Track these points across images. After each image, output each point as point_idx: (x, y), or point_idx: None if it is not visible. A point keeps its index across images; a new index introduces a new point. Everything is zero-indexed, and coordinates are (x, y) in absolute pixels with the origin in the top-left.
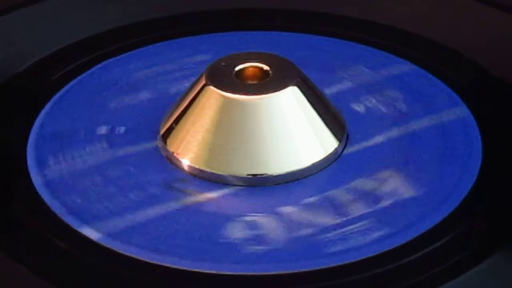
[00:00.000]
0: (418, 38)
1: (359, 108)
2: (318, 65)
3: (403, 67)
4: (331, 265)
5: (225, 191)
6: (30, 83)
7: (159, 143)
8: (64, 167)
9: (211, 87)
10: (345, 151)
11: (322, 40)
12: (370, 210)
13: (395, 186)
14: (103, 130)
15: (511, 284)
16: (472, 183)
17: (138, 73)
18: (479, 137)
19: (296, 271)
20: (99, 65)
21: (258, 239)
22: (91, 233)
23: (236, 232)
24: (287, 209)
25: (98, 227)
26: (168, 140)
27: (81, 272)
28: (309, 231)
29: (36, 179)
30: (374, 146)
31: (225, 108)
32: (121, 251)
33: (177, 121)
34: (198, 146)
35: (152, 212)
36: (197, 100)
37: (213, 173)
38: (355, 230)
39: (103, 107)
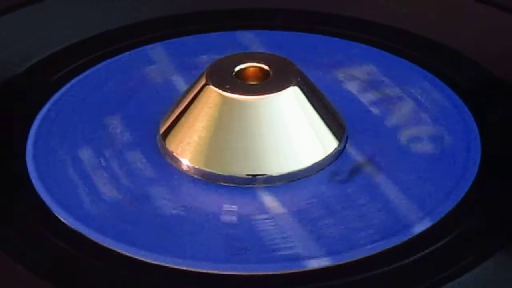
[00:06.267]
0: (418, 38)
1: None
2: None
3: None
4: (331, 264)
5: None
6: (30, 83)
7: (158, 142)
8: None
9: (211, 87)
10: (345, 151)
11: (322, 40)
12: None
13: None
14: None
15: (511, 284)
16: (472, 183)
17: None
18: (479, 137)
19: (296, 270)
20: (98, 65)
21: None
22: (91, 233)
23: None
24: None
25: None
26: (168, 140)
27: (81, 272)
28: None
29: (36, 179)
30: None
31: (225, 108)
32: (121, 251)
33: (177, 120)
34: (197, 146)
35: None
36: (197, 100)
37: (212, 173)
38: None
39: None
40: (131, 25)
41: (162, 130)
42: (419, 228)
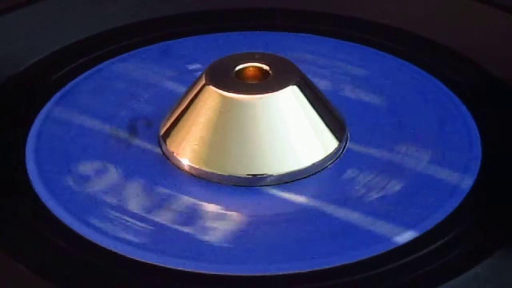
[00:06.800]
0: (418, 38)
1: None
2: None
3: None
4: (331, 265)
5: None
6: (30, 83)
7: (159, 143)
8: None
9: (211, 87)
10: (345, 151)
11: (322, 40)
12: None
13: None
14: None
15: (511, 284)
16: (472, 183)
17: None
18: (479, 137)
19: (296, 271)
20: (99, 65)
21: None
22: (91, 233)
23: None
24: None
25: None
26: (168, 140)
27: (81, 272)
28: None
29: (36, 179)
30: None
31: (225, 107)
32: (121, 251)
33: (177, 121)
34: (198, 146)
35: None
36: (197, 100)
37: (212, 173)
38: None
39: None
40: (131, 25)
41: (162, 130)
42: (419, 229)
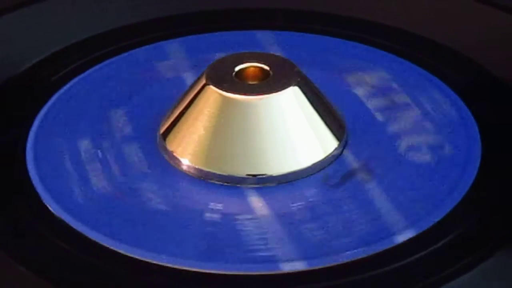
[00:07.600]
0: (418, 38)
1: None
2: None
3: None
4: (331, 264)
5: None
6: (30, 83)
7: (158, 142)
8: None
9: (211, 87)
10: (345, 151)
11: (322, 40)
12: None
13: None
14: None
15: (511, 284)
16: (472, 183)
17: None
18: (479, 137)
19: (296, 271)
20: (99, 65)
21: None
22: (91, 233)
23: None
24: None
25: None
26: (168, 140)
27: (81, 272)
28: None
29: (36, 180)
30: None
31: (225, 108)
32: (120, 251)
33: (177, 120)
34: (197, 146)
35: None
36: (197, 99)
37: (212, 173)
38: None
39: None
40: (131, 25)
41: (162, 130)
42: (419, 229)
